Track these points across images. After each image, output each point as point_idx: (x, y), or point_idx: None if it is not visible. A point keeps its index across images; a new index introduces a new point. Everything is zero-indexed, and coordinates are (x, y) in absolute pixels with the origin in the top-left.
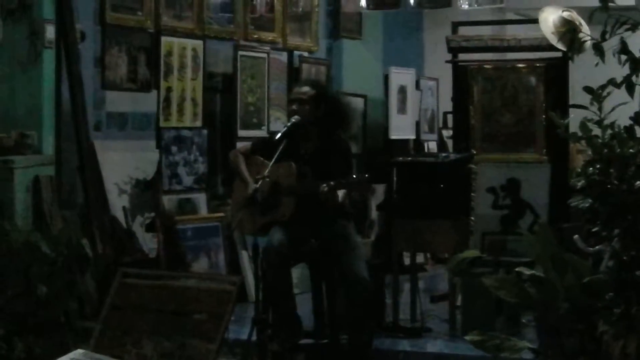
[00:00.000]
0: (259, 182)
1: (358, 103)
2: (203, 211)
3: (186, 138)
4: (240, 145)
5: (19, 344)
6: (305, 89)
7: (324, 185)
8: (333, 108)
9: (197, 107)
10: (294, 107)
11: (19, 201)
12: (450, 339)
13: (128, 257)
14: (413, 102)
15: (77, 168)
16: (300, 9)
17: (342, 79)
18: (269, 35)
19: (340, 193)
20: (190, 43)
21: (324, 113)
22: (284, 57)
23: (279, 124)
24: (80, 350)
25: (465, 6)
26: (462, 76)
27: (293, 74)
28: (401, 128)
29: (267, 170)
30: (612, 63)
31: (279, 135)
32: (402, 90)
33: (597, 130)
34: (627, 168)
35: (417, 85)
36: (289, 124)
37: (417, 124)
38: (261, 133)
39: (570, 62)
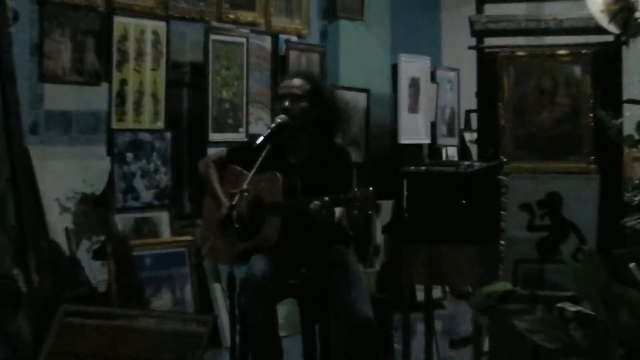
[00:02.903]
0: (236, 198)
1: (359, 100)
2: (166, 234)
3: (145, 143)
4: (212, 152)
5: None
6: (299, 81)
7: (318, 202)
8: (331, 107)
9: (159, 104)
10: (285, 104)
11: None
12: None
13: (71, 291)
14: (428, 98)
15: (8, 180)
16: None
17: (339, 70)
18: (248, 16)
19: (338, 211)
20: (150, 25)
21: (319, 113)
22: (267, 42)
23: (261, 126)
24: None
25: None
26: (489, 66)
27: (279, 64)
28: (413, 130)
29: (245, 183)
30: None
31: (261, 139)
32: (415, 83)
33: None
34: None
35: (433, 78)
36: (273, 125)
37: (433, 125)
38: (239, 137)
39: (624, 47)
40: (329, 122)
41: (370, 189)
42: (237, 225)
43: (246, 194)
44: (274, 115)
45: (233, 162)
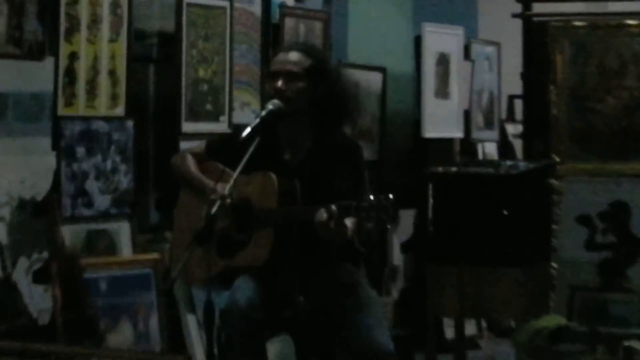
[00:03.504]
0: (216, 205)
1: (373, 81)
2: (126, 250)
3: (100, 135)
4: (186, 146)
5: None
6: (296, 56)
7: (322, 210)
8: (337, 88)
9: (119, 85)
10: (279, 85)
11: None
12: None
13: (5, 323)
14: (460, 79)
15: None
16: None
17: (347, 43)
18: None
19: (348, 223)
20: None
21: (323, 96)
22: (256, 7)
23: (248, 113)
24: None
25: None
26: (538, 39)
27: (270, 35)
28: (441, 120)
29: (229, 186)
30: None
31: (248, 130)
32: (443, 60)
33: None
34: None
35: (467, 54)
36: (264, 112)
37: (467, 114)
38: (221, 127)
39: None
40: (335, 108)
41: (388, 195)
42: (217, 239)
43: (230, 199)
44: (264, 100)
45: (213, 158)
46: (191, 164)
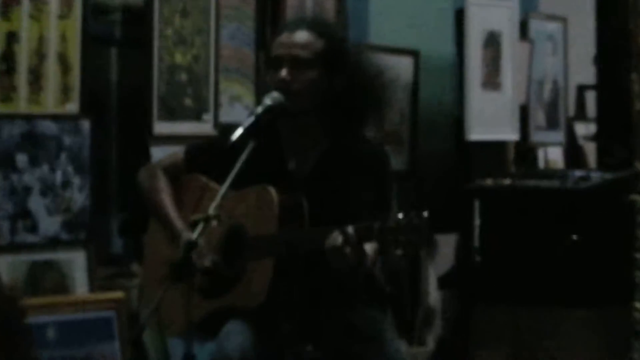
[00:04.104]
0: (199, 229)
1: (403, 68)
2: (81, 288)
3: (47, 138)
4: (159, 154)
5: None
6: (304, 36)
7: (336, 233)
8: (359, 79)
9: (71, 74)
10: (282, 74)
11: None
12: None
13: None
14: (515, 65)
15: None
16: None
17: (367, 19)
18: None
19: (369, 250)
20: None
21: (340, 89)
22: None
23: (239, 110)
24: None
25: None
26: (615, 13)
27: (268, 9)
28: (490, 119)
29: (215, 204)
30: None
31: (240, 132)
32: (493, 41)
33: None
34: None
35: (524, 32)
36: (260, 109)
37: (524, 111)
38: (204, 129)
39: None
40: (356, 105)
41: (422, 213)
42: (200, 274)
43: (216, 222)
44: (261, 93)
45: (195, 170)
46: (161, 184)
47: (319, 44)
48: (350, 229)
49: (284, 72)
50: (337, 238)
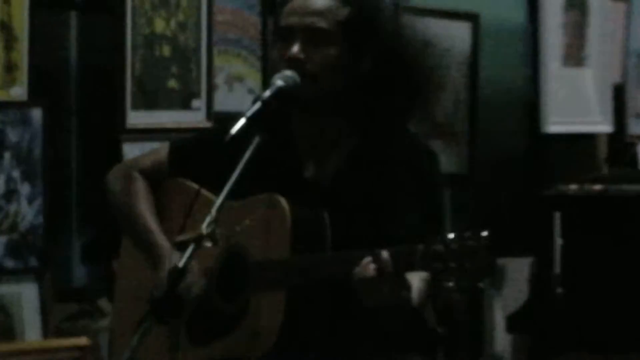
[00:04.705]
0: (187, 251)
1: (458, 37)
2: (33, 331)
3: None
4: (136, 151)
5: None
6: (324, 0)
7: (368, 259)
8: (397, 55)
9: (17, 49)
10: (294, 49)
11: None
12: None
13: None
14: (606, 35)
15: None
16: None
17: None
18: None
19: (413, 281)
20: None
21: (371, 69)
22: None
23: (240, 94)
24: None
25: None
26: None
27: None
28: (574, 104)
29: (209, 220)
30: None
31: (242, 123)
32: (577, 3)
33: None
34: None
35: None
36: (268, 93)
37: (618, 93)
38: (194, 119)
39: None
40: (393, 91)
41: (484, 234)
42: (190, 313)
43: (210, 243)
44: (269, 72)
45: (182, 174)
46: (138, 190)
47: (343, 11)
48: (385, 254)
49: (295, 48)
50: (368, 266)
